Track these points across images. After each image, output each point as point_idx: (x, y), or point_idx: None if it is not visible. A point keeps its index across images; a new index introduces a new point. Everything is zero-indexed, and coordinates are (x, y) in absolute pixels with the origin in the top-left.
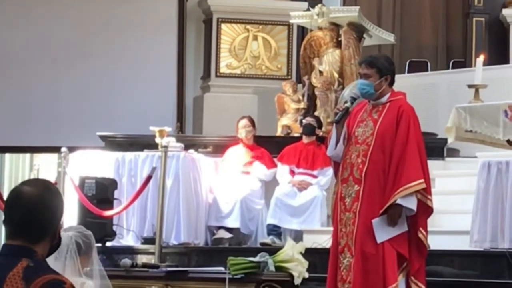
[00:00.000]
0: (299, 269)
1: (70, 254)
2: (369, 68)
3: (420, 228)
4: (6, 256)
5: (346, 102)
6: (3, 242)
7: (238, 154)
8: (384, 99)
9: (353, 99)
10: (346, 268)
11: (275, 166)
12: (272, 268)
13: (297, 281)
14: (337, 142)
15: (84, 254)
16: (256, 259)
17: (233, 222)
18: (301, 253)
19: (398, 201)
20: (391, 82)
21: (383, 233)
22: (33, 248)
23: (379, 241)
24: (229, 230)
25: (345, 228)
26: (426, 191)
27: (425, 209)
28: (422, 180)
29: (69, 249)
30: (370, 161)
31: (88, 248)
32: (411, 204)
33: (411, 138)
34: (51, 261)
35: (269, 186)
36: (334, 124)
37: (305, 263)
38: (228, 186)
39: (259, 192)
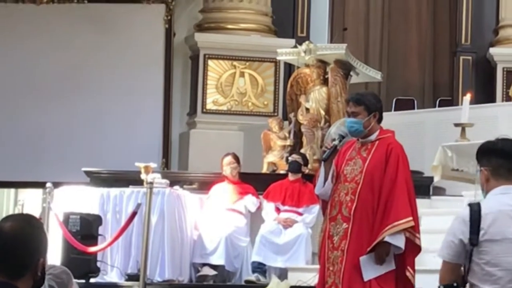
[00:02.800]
0: None
1: None
2: (356, 105)
3: (408, 267)
4: None
5: (334, 140)
6: None
7: (224, 191)
8: (373, 137)
9: (341, 137)
10: None
11: (259, 201)
12: None
13: None
14: (325, 180)
15: None
16: None
17: (217, 259)
18: None
19: (386, 239)
20: (379, 119)
21: (370, 271)
22: (15, 284)
23: (366, 279)
24: (213, 267)
25: (332, 267)
26: (414, 229)
27: (413, 248)
28: (411, 218)
29: None
30: (359, 199)
31: (63, 286)
32: (399, 242)
33: (400, 176)
34: None
35: (254, 223)
36: (322, 162)
37: None
38: (213, 223)
39: (244, 229)
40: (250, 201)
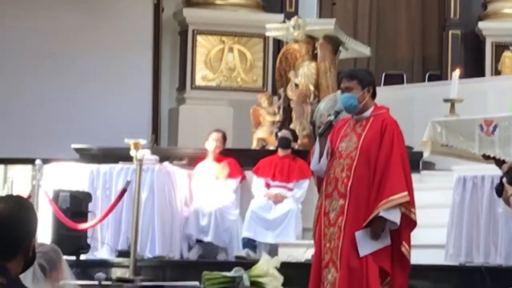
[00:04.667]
0: (274, 284)
1: (37, 279)
2: (350, 80)
3: (404, 242)
4: None
5: (329, 115)
6: None
7: (207, 168)
8: (368, 113)
9: (337, 113)
10: (330, 283)
11: (242, 174)
12: (247, 283)
13: None
14: (321, 156)
15: (52, 271)
16: (231, 274)
17: (206, 234)
18: (276, 267)
19: (381, 214)
20: (373, 95)
21: (366, 246)
22: (6, 265)
23: (361, 254)
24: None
25: (329, 243)
26: (409, 204)
27: (409, 223)
28: (406, 193)
29: (34, 274)
30: (355, 175)
31: (53, 264)
32: (395, 217)
33: (395, 151)
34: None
35: (244, 198)
36: (317, 138)
37: (280, 278)
38: (202, 199)
39: (234, 203)
40: (231, 186)
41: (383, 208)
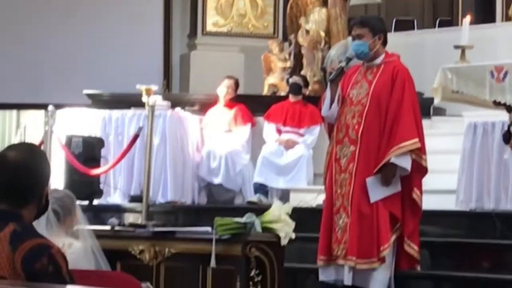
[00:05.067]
0: (286, 230)
1: (51, 224)
2: (361, 27)
3: (415, 188)
4: None
5: (341, 61)
6: None
7: (219, 114)
8: (379, 60)
9: (348, 59)
10: (342, 229)
11: (253, 121)
12: (259, 229)
13: (284, 241)
14: (332, 102)
15: (66, 216)
16: (243, 220)
17: (217, 176)
18: (288, 213)
19: (392, 160)
20: (384, 42)
21: (376, 192)
22: (19, 212)
23: (372, 200)
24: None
25: (340, 189)
26: (420, 151)
27: (420, 169)
28: (417, 140)
29: (48, 220)
30: (366, 121)
31: (67, 210)
32: (405, 163)
33: (406, 98)
34: (36, 225)
35: (255, 144)
36: (329, 84)
37: (292, 224)
38: (213, 143)
39: (245, 148)
40: (242, 134)
41: (394, 154)
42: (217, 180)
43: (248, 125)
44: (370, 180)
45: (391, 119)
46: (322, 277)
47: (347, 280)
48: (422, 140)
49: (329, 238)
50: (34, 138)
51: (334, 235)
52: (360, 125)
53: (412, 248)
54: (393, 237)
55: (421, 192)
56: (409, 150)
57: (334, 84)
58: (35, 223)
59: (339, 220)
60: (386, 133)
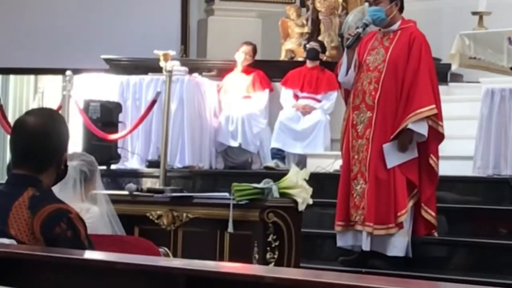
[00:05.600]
0: (303, 196)
1: (76, 184)
2: None
3: (431, 155)
4: (12, 185)
5: (358, 27)
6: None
7: (236, 80)
8: (395, 26)
9: (365, 25)
10: (359, 195)
11: (271, 87)
12: (276, 194)
13: (301, 207)
14: (348, 68)
15: (88, 181)
16: (260, 185)
17: (235, 139)
18: (305, 179)
19: (409, 126)
20: (401, 8)
21: (393, 158)
22: (38, 177)
23: (389, 166)
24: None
25: (357, 155)
26: (437, 117)
27: (436, 135)
28: (434, 106)
29: (75, 179)
30: (383, 87)
31: (92, 174)
32: (422, 129)
33: (422, 64)
34: (56, 190)
35: (272, 109)
36: (345, 50)
37: (309, 190)
38: (230, 108)
39: (262, 112)
40: (261, 99)
41: (411, 120)
42: (234, 143)
43: (267, 91)
44: (386, 146)
45: (408, 85)
46: (340, 242)
47: (365, 246)
48: (438, 106)
49: (347, 204)
50: (52, 103)
51: (352, 201)
52: (377, 91)
53: (429, 214)
54: (410, 203)
55: (437, 158)
56: (426, 116)
57: (351, 50)
58: (60, 185)
59: (357, 186)
60: (403, 99)
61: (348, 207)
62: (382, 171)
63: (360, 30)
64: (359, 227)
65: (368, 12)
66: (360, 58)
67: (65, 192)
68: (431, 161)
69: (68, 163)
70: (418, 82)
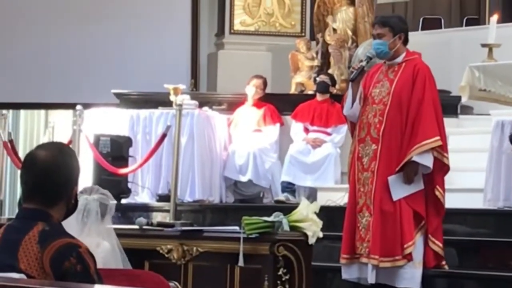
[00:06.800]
0: (314, 229)
1: (96, 217)
2: (382, 27)
3: (437, 186)
4: (22, 219)
5: (361, 61)
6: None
7: (247, 113)
8: (400, 58)
9: (369, 58)
10: (365, 227)
11: (281, 121)
12: (286, 228)
13: (312, 240)
14: (353, 101)
15: (106, 215)
16: (271, 218)
17: (246, 175)
18: (315, 212)
19: (414, 158)
20: (405, 41)
21: (399, 190)
22: (48, 211)
23: (395, 198)
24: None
25: (363, 188)
26: (442, 149)
27: (442, 167)
28: (438, 138)
29: (97, 212)
30: (387, 120)
31: (111, 209)
32: (427, 161)
33: (427, 96)
34: (73, 223)
35: (283, 143)
36: (350, 83)
37: (320, 223)
38: (241, 142)
39: (273, 146)
40: (272, 133)
41: (416, 152)
42: (243, 178)
43: (278, 125)
44: (392, 179)
45: (412, 117)
46: (345, 275)
47: (371, 279)
48: (443, 138)
49: (352, 236)
50: (62, 137)
51: (358, 233)
52: (381, 123)
53: (436, 245)
54: (418, 235)
55: (443, 190)
56: (430, 148)
57: (355, 83)
58: (80, 218)
59: (362, 219)
60: (408, 131)
61: (354, 239)
62: (388, 204)
63: (364, 63)
64: (364, 259)
65: (372, 46)
66: (365, 91)
67: (84, 225)
68: (437, 193)
69: (88, 197)
70: (422, 114)
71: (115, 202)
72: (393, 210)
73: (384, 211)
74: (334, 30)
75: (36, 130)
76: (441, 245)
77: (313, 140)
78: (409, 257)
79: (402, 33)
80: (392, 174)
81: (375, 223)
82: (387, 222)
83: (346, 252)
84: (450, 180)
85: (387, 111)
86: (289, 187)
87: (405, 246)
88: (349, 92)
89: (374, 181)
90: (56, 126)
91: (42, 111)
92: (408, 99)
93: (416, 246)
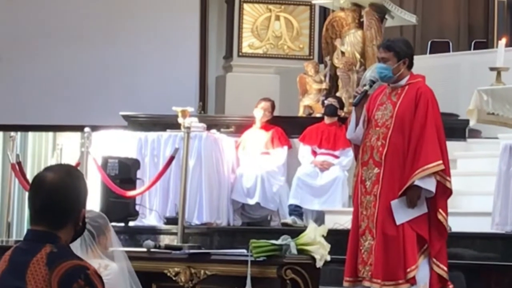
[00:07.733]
0: (321, 252)
1: (85, 245)
2: (386, 51)
3: (440, 210)
4: (29, 241)
5: (364, 85)
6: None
7: (255, 136)
8: (403, 82)
9: (372, 82)
10: (367, 251)
11: (289, 144)
12: (294, 251)
13: (319, 264)
14: (357, 125)
15: (100, 237)
16: (278, 242)
17: (254, 198)
18: (323, 236)
19: (416, 183)
20: (410, 65)
21: (402, 214)
22: (56, 233)
23: (398, 222)
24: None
25: (366, 211)
26: (445, 173)
27: (444, 191)
28: (441, 162)
29: (82, 241)
30: (390, 143)
31: (99, 230)
32: (430, 185)
33: (429, 119)
34: (76, 246)
35: (291, 165)
36: (353, 107)
37: (327, 246)
38: (248, 165)
39: (281, 169)
40: (279, 156)
41: (418, 177)
42: (251, 201)
43: (285, 148)
44: (395, 203)
45: (414, 141)
46: None
47: None
48: (446, 161)
49: (355, 260)
50: (70, 159)
51: (360, 257)
52: (384, 147)
53: (440, 268)
54: (421, 258)
55: (446, 213)
56: (433, 172)
57: (359, 107)
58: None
59: (365, 242)
60: (410, 155)
61: (356, 263)
62: (390, 227)
63: (367, 87)
64: (367, 283)
65: (376, 69)
66: (369, 114)
67: (79, 253)
68: (439, 216)
69: None
70: (424, 138)
71: (105, 222)
72: (396, 234)
73: (387, 235)
74: (343, 53)
75: (44, 152)
76: (445, 268)
77: (321, 163)
78: (412, 281)
79: (406, 58)
80: (394, 198)
81: (378, 247)
82: (390, 246)
83: (349, 275)
84: (458, 203)
85: (389, 134)
86: (296, 210)
87: (408, 270)
88: (352, 116)
89: (376, 205)
90: (64, 148)
91: (50, 133)
92: (410, 123)
93: (420, 270)
